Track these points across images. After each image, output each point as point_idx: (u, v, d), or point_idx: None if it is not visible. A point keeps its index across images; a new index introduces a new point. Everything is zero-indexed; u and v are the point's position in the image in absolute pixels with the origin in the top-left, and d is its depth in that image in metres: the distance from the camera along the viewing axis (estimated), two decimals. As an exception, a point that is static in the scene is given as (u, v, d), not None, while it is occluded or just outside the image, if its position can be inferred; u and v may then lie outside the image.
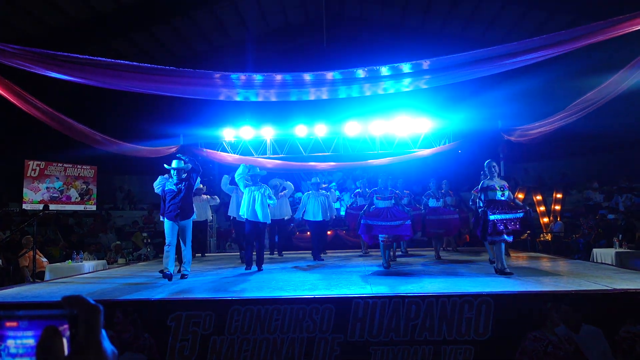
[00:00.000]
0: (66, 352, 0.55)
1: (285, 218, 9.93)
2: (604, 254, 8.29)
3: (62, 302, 0.58)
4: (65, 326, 0.56)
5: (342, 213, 12.94)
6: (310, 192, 9.16)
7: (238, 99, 7.61)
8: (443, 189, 8.75)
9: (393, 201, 6.89)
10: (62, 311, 0.57)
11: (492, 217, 5.71)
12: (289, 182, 9.79)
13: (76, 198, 13.23)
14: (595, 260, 8.32)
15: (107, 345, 0.57)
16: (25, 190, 12.14)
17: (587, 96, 6.82)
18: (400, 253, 9.19)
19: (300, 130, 11.49)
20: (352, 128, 11.42)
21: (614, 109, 10.62)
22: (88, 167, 13.40)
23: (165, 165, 6.54)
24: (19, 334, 0.56)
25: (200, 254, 10.45)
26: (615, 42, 5.96)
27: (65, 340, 0.55)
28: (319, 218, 8.76)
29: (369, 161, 11.75)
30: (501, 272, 5.62)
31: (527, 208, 5.87)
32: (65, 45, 6.73)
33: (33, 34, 11.09)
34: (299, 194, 14.74)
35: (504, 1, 12.59)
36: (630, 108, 11.01)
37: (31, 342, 0.55)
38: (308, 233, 12.10)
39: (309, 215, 8.86)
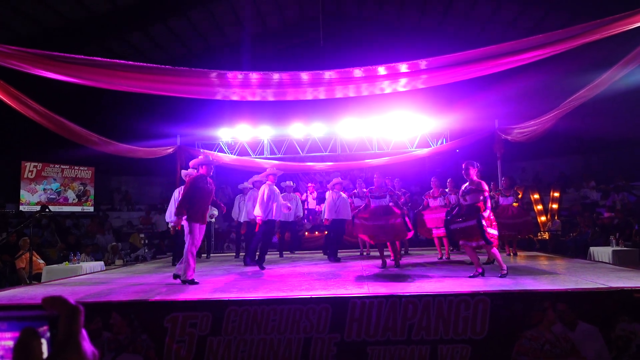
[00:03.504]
0: (45, 353, 0.54)
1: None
2: (601, 252, 8.31)
3: (43, 303, 0.57)
4: (45, 327, 0.55)
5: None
6: (330, 191, 9.00)
7: (235, 98, 7.60)
8: (447, 188, 8.58)
9: (387, 199, 6.89)
10: (42, 312, 0.56)
11: (451, 227, 5.72)
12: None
13: (73, 199, 13.22)
14: (592, 259, 8.34)
15: (87, 347, 0.57)
16: (22, 191, 12.13)
17: (580, 93, 6.85)
18: (403, 252, 9.12)
19: (298, 131, 11.49)
20: (349, 128, 11.43)
21: (610, 108, 10.69)
22: (85, 168, 13.40)
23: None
24: None
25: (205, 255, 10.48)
26: (611, 41, 5.98)
27: (44, 342, 0.55)
28: (340, 217, 8.64)
29: (366, 161, 11.76)
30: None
31: (477, 217, 5.44)
32: (61, 46, 6.70)
33: (28, 34, 11.07)
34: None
35: (499, 0, 12.61)
36: (626, 107, 11.05)
37: (10, 343, 0.54)
38: (317, 233, 12.10)
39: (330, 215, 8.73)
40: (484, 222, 5.33)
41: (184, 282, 5.59)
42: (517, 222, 8.17)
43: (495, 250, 5.54)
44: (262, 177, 7.82)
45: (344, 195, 8.86)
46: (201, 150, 11.64)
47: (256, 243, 7.80)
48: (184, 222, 5.75)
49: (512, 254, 8.30)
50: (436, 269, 6.60)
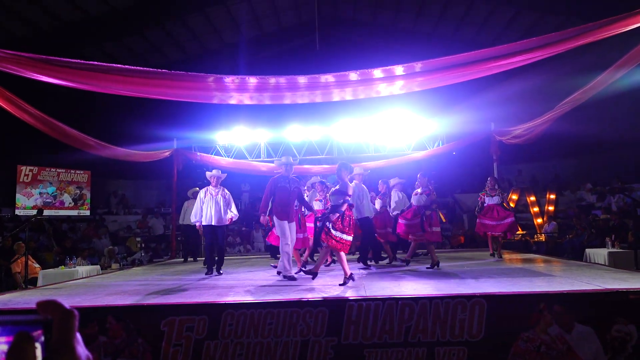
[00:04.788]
0: (39, 358, 0.54)
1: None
2: (597, 254, 8.34)
3: (37, 307, 0.58)
4: (39, 332, 0.55)
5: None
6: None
7: (232, 102, 7.61)
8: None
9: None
10: (37, 316, 0.57)
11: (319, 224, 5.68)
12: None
13: (70, 203, 13.17)
14: (588, 261, 8.37)
15: (82, 351, 0.57)
16: (17, 195, 12.07)
17: (575, 96, 6.89)
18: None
19: (294, 134, 11.50)
20: (346, 131, 11.45)
21: (606, 111, 10.75)
22: (81, 171, 13.35)
23: None
24: None
25: (192, 258, 10.41)
26: (606, 44, 6.02)
27: (39, 346, 0.55)
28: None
29: (363, 164, 11.76)
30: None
31: (325, 219, 5.59)
32: (58, 49, 6.71)
33: (25, 37, 11.05)
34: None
35: (494, 4, 12.68)
36: (621, 110, 11.12)
37: (4, 348, 0.55)
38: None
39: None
40: (328, 224, 5.40)
41: (285, 277, 5.81)
42: (502, 223, 8.19)
43: (341, 255, 5.47)
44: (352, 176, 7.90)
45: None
46: (198, 153, 11.63)
47: (366, 244, 7.70)
48: (275, 221, 6.11)
49: (496, 254, 8.27)
50: (431, 271, 6.61)
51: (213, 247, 7.33)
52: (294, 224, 6.30)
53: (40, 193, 12.51)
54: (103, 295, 5.20)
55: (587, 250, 8.82)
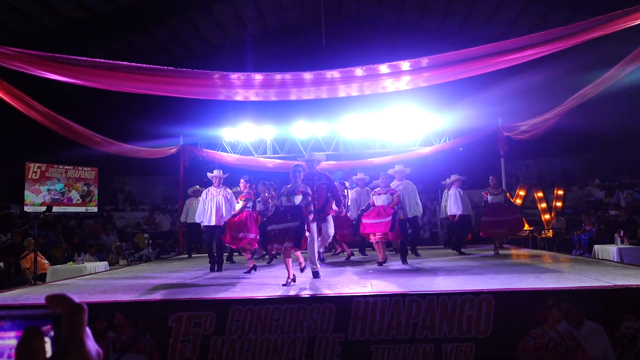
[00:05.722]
0: (49, 352, 0.54)
1: None
2: (606, 250, 8.28)
3: (46, 301, 0.57)
4: (48, 326, 0.55)
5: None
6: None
7: (237, 98, 7.61)
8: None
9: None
10: (46, 311, 0.56)
11: (268, 228, 5.44)
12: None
13: (77, 200, 13.25)
14: (596, 257, 8.31)
15: (92, 345, 0.57)
16: (26, 192, 12.16)
17: (584, 91, 6.83)
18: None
19: (300, 130, 11.49)
20: (352, 127, 11.42)
21: (613, 106, 10.64)
22: (89, 168, 13.42)
23: None
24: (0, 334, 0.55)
25: (193, 253, 10.49)
26: (614, 38, 5.95)
27: (48, 340, 0.55)
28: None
29: (369, 160, 11.75)
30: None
31: (302, 220, 5.32)
32: (62, 47, 6.72)
33: (29, 35, 11.09)
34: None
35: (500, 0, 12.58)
36: (630, 105, 11.00)
37: (13, 342, 0.54)
38: None
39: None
40: (304, 226, 5.27)
41: (314, 272, 5.79)
42: (506, 220, 8.11)
43: (297, 254, 5.42)
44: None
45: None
46: (204, 150, 11.67)
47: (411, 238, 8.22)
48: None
49: (497, 251, 8.23)
50: (439, 267, 6.59)
51: (212, 246, 7.36)
52: (327, 220, 6.26)
53: (48, 190, 12.59)
54: (111, 291, 5.23)
55: (596, 247, 8.76)
